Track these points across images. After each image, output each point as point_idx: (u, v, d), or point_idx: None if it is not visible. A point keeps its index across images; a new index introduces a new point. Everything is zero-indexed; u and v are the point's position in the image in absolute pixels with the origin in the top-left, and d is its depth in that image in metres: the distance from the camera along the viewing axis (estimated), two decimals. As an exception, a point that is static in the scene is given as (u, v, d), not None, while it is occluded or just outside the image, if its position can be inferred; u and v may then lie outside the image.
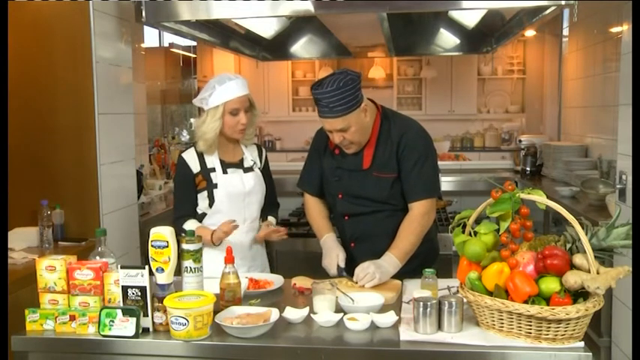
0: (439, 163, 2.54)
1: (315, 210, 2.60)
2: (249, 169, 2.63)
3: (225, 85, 2.47)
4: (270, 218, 2.73)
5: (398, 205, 2.40)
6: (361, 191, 2.41)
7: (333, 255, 2.40)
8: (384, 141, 2.39)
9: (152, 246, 1.86)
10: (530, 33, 6.70)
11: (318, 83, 2.26)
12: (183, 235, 2.03)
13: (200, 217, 2.58)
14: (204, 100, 2.49)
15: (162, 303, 1.79)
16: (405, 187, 2.38)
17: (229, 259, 2.00)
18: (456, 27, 4.38)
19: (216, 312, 1.83)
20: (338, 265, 2.36)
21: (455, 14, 3.94)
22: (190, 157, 2.56)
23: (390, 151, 2.37)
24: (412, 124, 2.45)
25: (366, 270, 2.18)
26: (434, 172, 2.43)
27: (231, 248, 2.03)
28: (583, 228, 1.67)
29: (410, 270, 2.29)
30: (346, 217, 2.49)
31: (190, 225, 2.51)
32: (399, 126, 2.40)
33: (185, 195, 2.58)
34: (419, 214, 2.35)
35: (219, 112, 2.47)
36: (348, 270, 2.33)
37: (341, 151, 2.43)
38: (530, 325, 1.65)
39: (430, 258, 2.49)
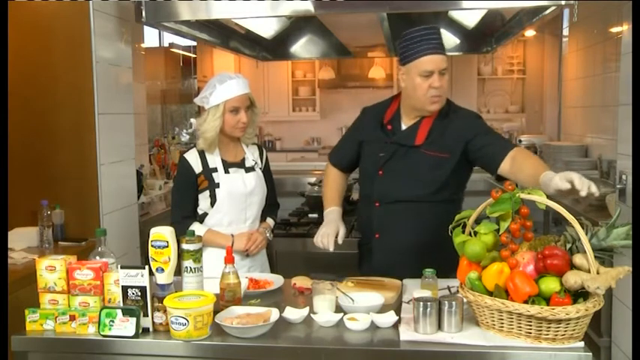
0: None
1: (334, 181, 2.57)
2: (251, 169, 2.63)
3: (225, 83, 2.47)
4: (269, 220, 2.74)
5: (442, 194, 2.31)
6: (407, 169, 2.34)
7: (333, 227, 2.34)
8: (440, 118, 2.36)
9: (152, 246, 1.86)
10: (530, 33, 6.70)
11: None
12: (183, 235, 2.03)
13: (201, 217, 2.59)
14: (204, 98, 2.50)
15: (162, 303, 1.79)
16: (491, 151, 2.26)
17: (229, 259, 2.00)
18: (456, 27, 4.37)
19: (216, 312, 1.83)
20: (336, 241, 2.31)
21: (455, 14, 3.93)
22: (192, 158, 2.56)
23: (444, 128, 2.34)
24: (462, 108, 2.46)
25: (584, 179, 1.88)
26: None
27: (232, 248, 2.03)
28: (583, 228, 1.67)
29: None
30: (377, 204, 2.40)
31: (199, 229, 2.47)
32: (454, 108, 2.41)
33: (187, 196, 2.57)
34: (524, 150, 2.27)
35: (220, 111, 2.48)
36: (369, 267, 2.29)
37: (393, 127, 2.40)
38: (530, 325, 1.64)
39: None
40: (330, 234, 2.35)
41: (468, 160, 2.36)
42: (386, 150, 2.39)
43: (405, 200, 2.35)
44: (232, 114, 2.49)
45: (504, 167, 2.22)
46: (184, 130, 6.23)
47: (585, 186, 1.84)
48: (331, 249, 2.32)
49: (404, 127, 2.42)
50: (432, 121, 2.36)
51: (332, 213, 2.44)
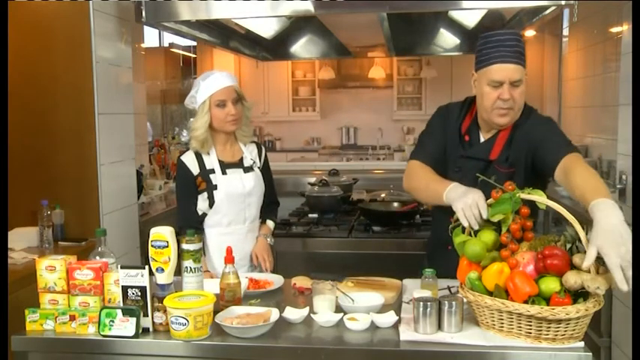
0: None
1: (428, 169, 2.20)
2: (249, 169, 2.63)
3: (208, 79, 2.49)
4: (269, 223, 2.74)
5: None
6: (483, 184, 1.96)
7: (479, 193, 1.86)
8: (514, 130, 2.16)
9: (152, 246, 1.86)
10: (530, 33, 6.69)
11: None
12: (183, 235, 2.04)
13: (201, 218, 2.58)
14: (192, 97, 2.52)
15: (162, 303, 1.79)
16: (547, 153, 2.01)
17: (229, 259, 2.00)
18: (456, 27, 4.38)
19: (216, 312, 1.83)
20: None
21: (455, 14, 3.93)
22: (189, 159, 2.56)
23: (512, 140, 2.14)
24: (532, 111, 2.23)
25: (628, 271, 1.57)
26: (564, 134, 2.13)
27: (232, 248, 2.03)
28: (583, 228, 1.67)
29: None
30: (451, 218, 2.13)
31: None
32: (526, 114, 2.19)
33: (188, 198, 2.58)
34: (578, 159, 1.92)
35: (207, 106, 2.48)
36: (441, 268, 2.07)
37: (471, 139, 2.21)
38: (530, 325, 1.64)
39: None
40: (480, 197, 1.85)
41: (537, 173, 2.10)
42: (459, 165, 2.21)
43: None
44: (219, 108, 2.49)
45: (559, 177, 1.96)
46: (184, 130, 6.23)
47: (624, 283, 1.55)
48: (485, 215, 1.83)
49: (482, 139, 2.22)
50: (508, 135, 2.16)
51: (458, 185, 1.98)
